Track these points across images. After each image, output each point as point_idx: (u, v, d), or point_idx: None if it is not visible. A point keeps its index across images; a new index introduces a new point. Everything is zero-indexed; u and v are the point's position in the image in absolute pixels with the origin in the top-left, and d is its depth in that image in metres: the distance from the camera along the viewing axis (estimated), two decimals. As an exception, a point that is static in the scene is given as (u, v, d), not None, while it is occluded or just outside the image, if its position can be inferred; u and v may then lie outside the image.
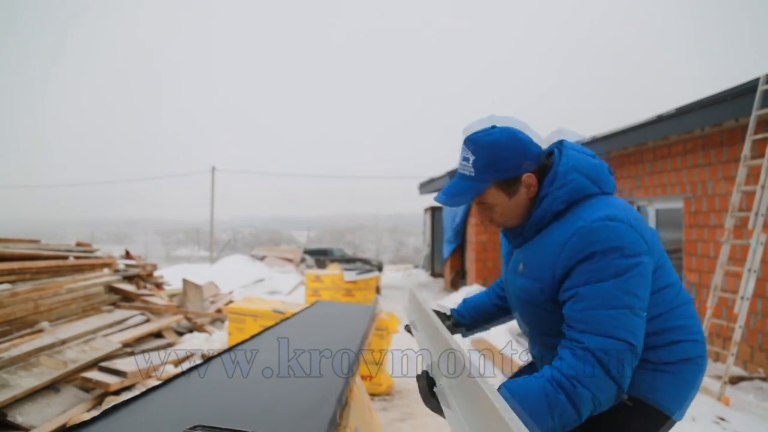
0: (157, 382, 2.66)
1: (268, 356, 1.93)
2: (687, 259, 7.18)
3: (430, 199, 18.86)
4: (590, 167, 1.60)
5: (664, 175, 7.74)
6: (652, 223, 8.28)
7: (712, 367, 6.16)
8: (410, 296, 2.34)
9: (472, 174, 1.60)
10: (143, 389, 3.60)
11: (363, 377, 4.81)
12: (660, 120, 7.10)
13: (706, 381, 5.50)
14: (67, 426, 1.23)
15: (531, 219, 1.61)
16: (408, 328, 2.13)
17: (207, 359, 1.91)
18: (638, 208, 8.64)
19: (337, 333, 2.35)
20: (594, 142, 9.03)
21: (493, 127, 1.62)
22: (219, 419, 1.23)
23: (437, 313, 2.08)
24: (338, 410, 1.28)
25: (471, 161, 1.60)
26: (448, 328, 2.07)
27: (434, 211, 17.88)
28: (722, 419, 4.49)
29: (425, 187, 16.32)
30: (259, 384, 1.54)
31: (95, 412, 3.97)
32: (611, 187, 1.63)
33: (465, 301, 2.16)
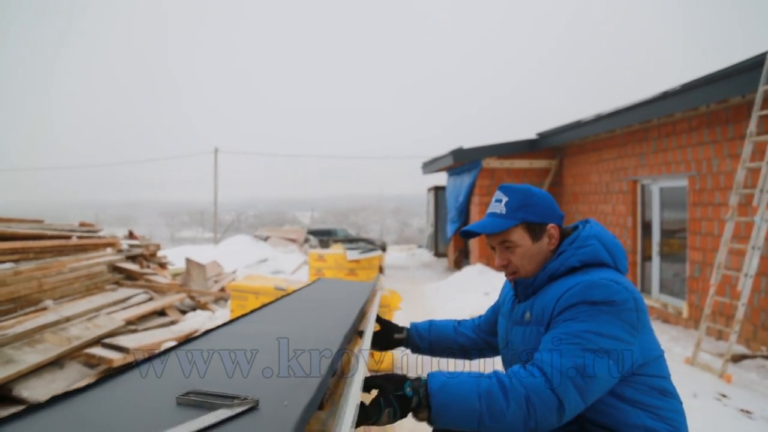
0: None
1: (268, 328, 1.93)
2: (691, 238, 7.15)
3: (433, 179, 18.81)
4: (610, 241, 1.69)
5: (668, 153, 7.68)
6: (656, 201, 8.24)
7: (714, 345, 6.16)
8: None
9: (503, 212, 1.71)
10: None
11: None
12: (665, 96, 7.02)
13: (708, 359, 5.51)
14: (59, 393, 1.21)
15: (545, 269, 1.69)
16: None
17: (205, 332, 1.90)
18: (642, 187, 8.60)
19: (337, 306, 2.35)
20: (599, 119, 8.95)
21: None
22: (213, 386, 1.22)
23: (384, 321, 2.16)
24: (329, 373, 1.27)
25: (504, 202, 1.72)
26: (386, 339, 2.12)
27: (437, 191, 17.83)
28: (724, 396, 4.50)
29: (428, 166, 16.26)
30: (256, 354, 1.53)
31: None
32: (624, 268, 1.69)
33: (432, 323, 2.17)
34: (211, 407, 1.11)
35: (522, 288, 1.75)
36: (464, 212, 13.42)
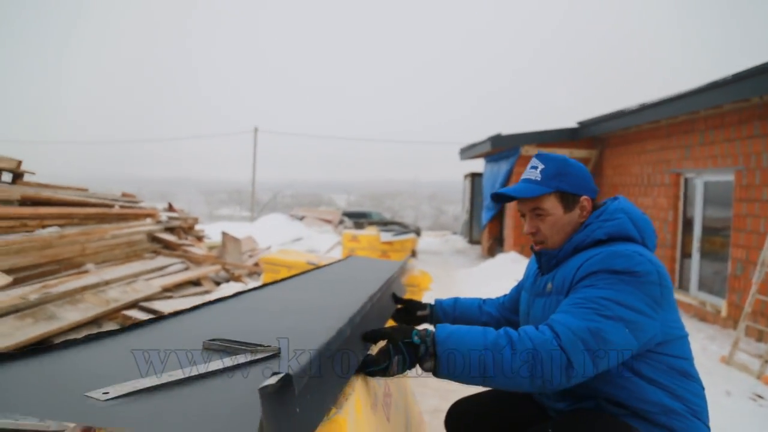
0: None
1: (295, 294, 1.97)
2: (735, 235, 6.92)
3: (470, 165, 18.64)
4: (639, 217, 1.66)
5: (715, 146, 7.42)
6: (699, 195, 7.99)
7: (753, 346, 5.98)
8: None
9: (539, 179, 1.69)
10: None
11: None
12: (715, 86, 6.77)
13: (745, 358, 5.35)
14: (88, 335, 1.28)
15: (571, 241, 1.67)
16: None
17: (236, 293, 1.95)
18: (686, 180, 8.35)
19: (364, 278, 2.38)
20: (643, 109, 8.72)
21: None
22: (238, 338, 1.26)
23: (406, 300, 2.15)
24: (348, 326, 1.29)
25: (539, 169, 1.70)
26: (409, 315, 2.10)
27: (474, 178, 17.68)
28: (759, 396, 4.38)
29: (466, 152, 16.12)
30: (284, 314, 1.56)
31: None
32: (653, 244, 1.66)
33: (457, 301, 2.15)
34: (235, 352, 1.14)
35: (546, 259, 1.73)
36: (500, 200, 13.27)
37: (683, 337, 1.56)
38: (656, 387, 1.49)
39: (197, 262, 7.74)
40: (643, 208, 9.33)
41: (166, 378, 0.93)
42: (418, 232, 20.21)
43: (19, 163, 7.05)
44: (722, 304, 7.09)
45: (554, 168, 1.69)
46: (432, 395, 3.93)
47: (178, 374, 0.96)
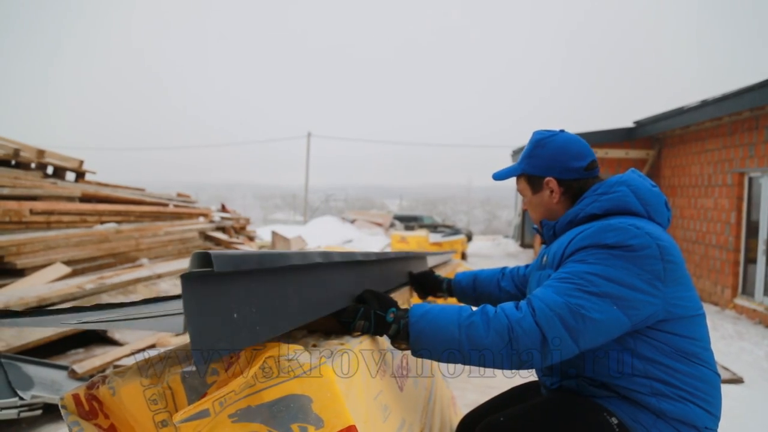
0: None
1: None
2: (802, 235, 6.52)
3: (522, 169, 18.33)
4: (645, 190, 1.53)
5: (782, 143, 7.03)
6: (765, 196, 7.57)
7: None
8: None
9: (518, 160, 1.71)
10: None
11: None
12: (781, 79, 6.42)
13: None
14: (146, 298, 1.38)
15: (565, 215, 1.59)
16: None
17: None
18: (750, 180, 7.94)
19: (405, 267, 2.37)
20: (704, 106, 8.36)
21: (562, 130, 1.69)
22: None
23: (423, 275, 2.15)
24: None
25: (524, 150, 1.71)
26: (424, 288, 2.12)
27: (526, 181, 17.39)
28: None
29: (518, 154, 15.87)
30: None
31: (181, 338, 4.27)
32: (663, 219, 1.54)
33: (476, 278, 2.10)
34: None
35: (546, 230, 1.67)
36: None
37: (695, 317, 1.44)
38: (649, 365, 1.39)
39: (247, 259, 7.93)
40: (704, 210, 8.94)
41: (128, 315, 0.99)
42: (469, 237, 20.01)
43: (81, 162, 7.41)
44: (789, 310, 6.68)
45: (528, 149, 1.68)
46: (473, 390, 3.88)
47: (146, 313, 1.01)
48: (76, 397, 0.97)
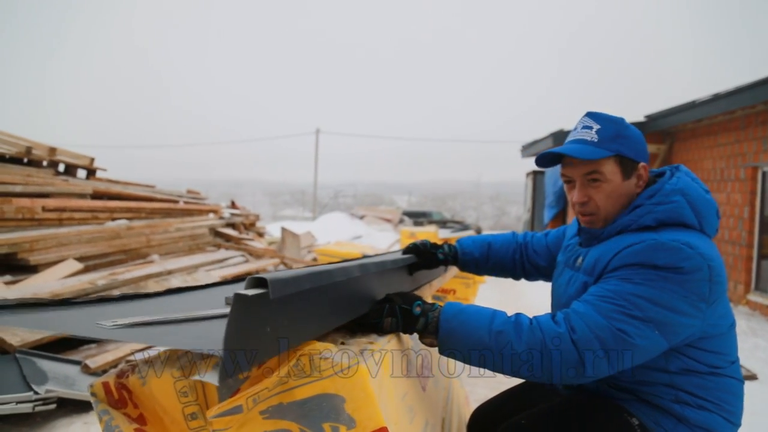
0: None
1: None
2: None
3: (532, 163, 18.25)
4: (700, 199, 1.45)
5: (796, 136, 6.94)
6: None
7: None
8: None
9: (595, 140, 1.46)
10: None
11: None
12: (795, 72, 6.33)
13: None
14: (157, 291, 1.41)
15: (615, 223, 1.47)
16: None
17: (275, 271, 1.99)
18: (763, 174, 7.85)
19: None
20: (716, 99, 8.27)
21: None
22: None
23: (420, 247, 1.93)
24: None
25: (595, 130, 1.48)
26: (426, 259, 1.91)
27: (536, 175, 17.29)
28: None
29: (528, 149, 15.80)
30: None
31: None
32: (713, 230, 1.47)
33: (491, 245, 1.97)
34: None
35: (586, 237, 1.57)
36: (562, 197, 12.96)
37: (728, 330, 1.42)
38: (675, 377, 1.37)
39: (257, 255, 7.94)
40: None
41: (168, 317, 0.97)
42: (478, 231, 19.98)
43: (92, 160, 7.46)
44: (803, 305, 6.62)
45: (613, 129, 1.46)
46: (483, 386, 3.88)
47: (180, 315, 0.99)
48: (105, 385, 0.97)
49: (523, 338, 1.25)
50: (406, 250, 1.95)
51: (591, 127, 1.48)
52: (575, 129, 1.53)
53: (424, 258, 1.91)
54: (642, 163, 1.48)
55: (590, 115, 1.51)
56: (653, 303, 1.25)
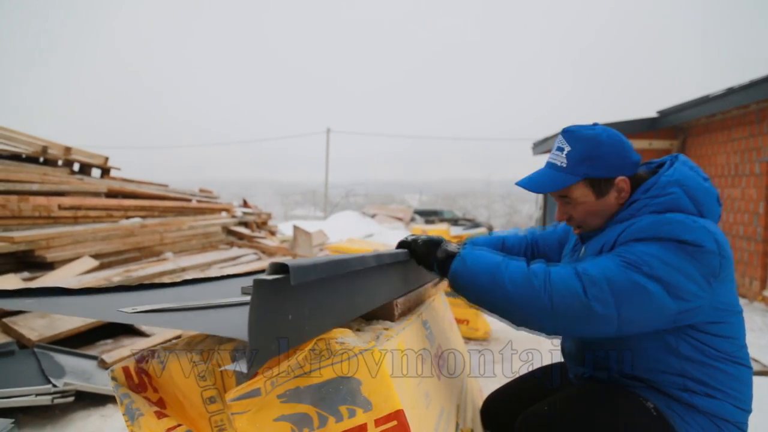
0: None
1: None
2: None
3: (543, 161, 18.19)
4: (698, 188, 1.44)
5: (812, 130, 6.86)
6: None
7: None
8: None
9: (564, 165, 1.49)
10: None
11: (459, 321, 4.80)
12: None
13: None
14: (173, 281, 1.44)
15: (613, 220, 1.50)
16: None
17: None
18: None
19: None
20: (730, 93, 8.20)
21: (595, 124, 1.55)
22: None
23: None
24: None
25: (565, 152, 1.50)
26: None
27: (548, 174, 17.24)
28: None
29: (539, 146, 15.73)
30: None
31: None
32: (715, 217, 1.47)
33: (505, 243, 2.00)
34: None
35: (585, 233, 1.60)
36: (574, 194, 12.89)
37: (735, 316, 1.43)
38: (687, 364, 1.37)
39: (269, 253, 7.99)
40: (731, 201, 8.77)
41: (187, 304, 0.99)
42: (489, 229, 19.92)
43: (106, 159, 7.54)
44: (820, 301, 6.54)
45: (583, 150, 1.47)
46: (495, 380, 3.88)
47: (199, 303, 1.01)
48: (126, 369, 1.00)
49: (530, 273, 1.34)
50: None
51: (563, 149, 1.52)
52: (552, 147, 1.57)
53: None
54: (620, 177, 1.48)
55: (564, 134, 1.54)
56: (663, 262, 1.27)
